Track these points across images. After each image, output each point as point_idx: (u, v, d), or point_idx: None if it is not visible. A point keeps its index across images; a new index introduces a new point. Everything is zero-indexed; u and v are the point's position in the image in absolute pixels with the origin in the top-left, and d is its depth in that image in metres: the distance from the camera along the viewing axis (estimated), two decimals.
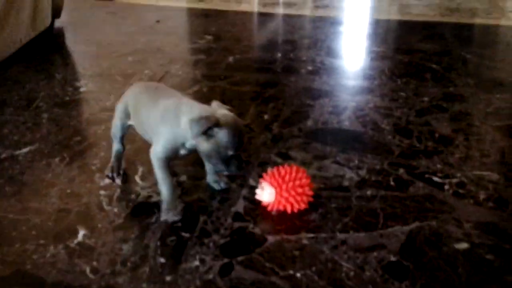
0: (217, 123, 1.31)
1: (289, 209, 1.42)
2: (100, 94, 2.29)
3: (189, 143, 1.39)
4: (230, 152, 1.33)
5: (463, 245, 1.29)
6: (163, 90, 1.56)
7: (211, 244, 1.31)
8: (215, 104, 1.47)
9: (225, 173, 1.46)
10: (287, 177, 1.42)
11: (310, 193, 1.44)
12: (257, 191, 1.44)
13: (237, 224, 1.39)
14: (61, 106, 2.17)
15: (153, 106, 1.47)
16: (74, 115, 2.09)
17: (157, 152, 1.42)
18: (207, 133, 1.32)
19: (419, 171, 1.63)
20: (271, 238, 1.33)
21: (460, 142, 1.82)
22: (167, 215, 1.42)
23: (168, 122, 1.41)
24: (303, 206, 1.43)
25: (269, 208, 1.44)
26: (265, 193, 1.42)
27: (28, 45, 2.90)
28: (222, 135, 1.32)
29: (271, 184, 1.42)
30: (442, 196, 1.50)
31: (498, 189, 1.53)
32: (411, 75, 2.51)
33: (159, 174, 1.43)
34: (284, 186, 1.41)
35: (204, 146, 1.34)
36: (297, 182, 1.42)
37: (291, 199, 1.41)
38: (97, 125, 1.99)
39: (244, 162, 1.40)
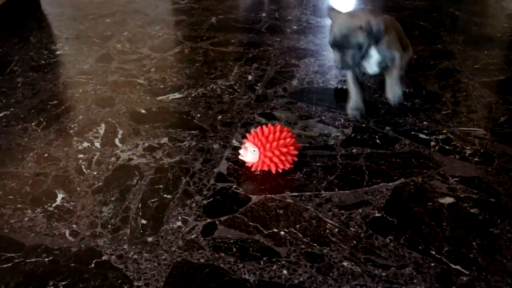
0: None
1: (273, 169, 1.39)
2: (77, 57, 2.21)
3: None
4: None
5: (448, 200, 1.28)
6: None
7: (193, 205, 1.28)
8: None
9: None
10: (270, 137, 1.39)
11: (295, 152, 1.41)
12: (240, 151, 1.41)
13: (220, 185, 1.36)
14: (37, 70, 2.09)
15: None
16: (50, 78, 2.01)
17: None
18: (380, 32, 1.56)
19: (405, 129, 1.61)
20: (254, 198, 1.31)
21: (447, 99, 1.79)
22: (352, 113, 1.65)
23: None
24: (287, 165, 1.40)
25: (253, 168, 1.41)
26: (249, 153, 1.39)
27: (1, 8, 2.78)
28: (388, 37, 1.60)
29: (255, 144, 1.39)
30: (428, 153, 1.48)
31: (484, 144, 1.51)
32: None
33: (349, 81, 1.68)
34: (267, 146, 1.37)
35: (381, 45, 1.60)
36: (281, 142, 1.38)
37: (275, 159, 1.38)
38: (75, 88, 1.92)
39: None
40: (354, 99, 1.68)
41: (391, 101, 1.62)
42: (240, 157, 1.41)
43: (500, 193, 1.30)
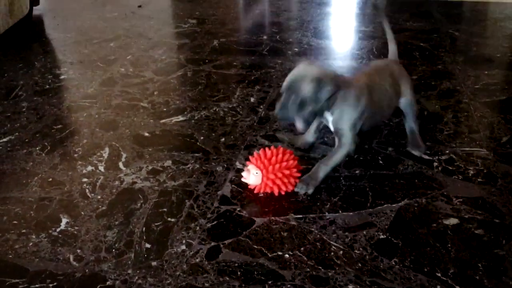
0: None
1: (276, 191, 1.39)
2: (82, 81, 2.24)
3: None
4: None
5: (453, 221, 1.28)
6: None
7: (197, 228, 1.28)
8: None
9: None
10: (273, 159, 1.39)
11: (297, 174, 1.42)
12: (243, 173, 1.41)
13: (224, 208, 1.36)
14: (41, 94, 2.11)
15: None
16: (55, 103, 2.03)
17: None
18: None
19: (408, 149, 1.61)
20: (258, 221, 1.31)
21: (449, 119, 1.80)
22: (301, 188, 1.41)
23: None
24: (290, 188, 1.40)
25: (255, 191, 1.41)
26: (251, 176, 1.39)
27: (7, 33, 2.82)
28: None
29: (257, 167, 1.40)
30: (431, 173, 1.48)
31: (487, 165, 1.51)
32: (399, 54, 2.47)
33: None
34: (270, 168, 1.38)
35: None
36: (284, 164, 1.39)
37: (278, 181, 1.38)
38: (79, 113, 1.94)
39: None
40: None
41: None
42: (242, 179, 1.41)
43: (505, 213, 1.30)
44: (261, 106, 1.95)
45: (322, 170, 1.43)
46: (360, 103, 1.44)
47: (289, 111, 1.39)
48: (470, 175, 1.47)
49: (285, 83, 1.43)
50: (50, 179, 1.51)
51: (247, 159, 1.50)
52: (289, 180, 1.40)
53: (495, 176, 1.46)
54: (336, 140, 1.46)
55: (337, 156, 1.44)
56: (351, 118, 1.43)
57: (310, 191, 1.39)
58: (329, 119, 1.46)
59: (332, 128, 1.47)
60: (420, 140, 1.61)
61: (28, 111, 1.96)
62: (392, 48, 1.75)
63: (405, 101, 1.61)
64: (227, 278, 1.12)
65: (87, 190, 1.45)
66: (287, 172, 1.39)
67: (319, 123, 1.60)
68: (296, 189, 1.41)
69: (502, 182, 1.42)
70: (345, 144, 1.44)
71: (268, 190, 1.40)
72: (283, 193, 1.40)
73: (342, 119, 1.44)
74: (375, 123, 1.56)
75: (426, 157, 1.55)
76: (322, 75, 1.39)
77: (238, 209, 1.35)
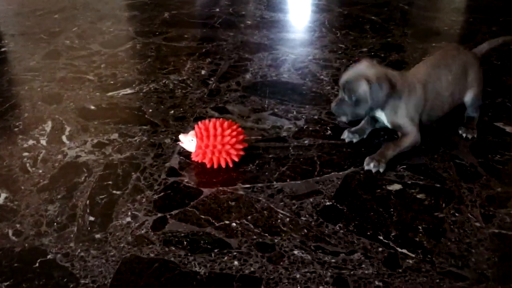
0: None
1: (208, 164, 1.37)
2: (24, 54, 2.13)
3: None
4: None
5: (396, 187, 1.31)
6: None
7: (143, 200, 1.26)
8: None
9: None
10: (211, 131, 1.36)
11: (236, 152, 1.38)
12: (180, 136, 1.40)
13: (171, 179, 1.34)
14: None
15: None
16: None
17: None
18: None
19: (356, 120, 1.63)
20: (206, 191, 1.30)
21: None
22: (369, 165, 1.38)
23: None
24: (223, 163, 1.38)
25: (192, 157, 1.39)
26: (186, 141, 1.39)
27: None
28: None
29: (195, 134, 1.38)
30: (377, 142, 1.51)
31: (429, 133, 1.56)
32: (350, 27, 2.50)
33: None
34: (205, 139, 1.35)
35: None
36: (221, 138, 1.36)
37: (216, 153, 1.36)
38: (20, 86, 1.85)
39: None
40: (360, 126, 1.54)
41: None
42: (178, 143, 1.40)
43: (445, 178, 1.34)
44: (212, 79, 1.92)
45: (391, 150, 1.41)
46: (412, 97, 1.43)
47: (344, 108, 1.44)
48: None
49: (342, 80, 1.44)
50: None
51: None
52: (228, 155, 1.37)
53: (437, 143, 1.50)
54: (400, 134, 1.46)
55: (405, 142, 1.43)
56: (405, 112, 1.43)
57: (381, 169, 1.37)
58: (383, 117, 1.47)
59: (389, 126, 1.48)
60: (474, 125, 1.57)
61: None
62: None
63: (470, 94, 1.57)
64: (173, 248, 1.11)
65: (27, 164, 1.39)
66: (224, 147, 1.35)
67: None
68: (366, 167, 1.38)
69: (444, 149, 1.47)
70: (410, 134, 1.43)
71: (203, 161, 1.38)
72: (215, 166, 1.37)
73: (396, 115, 1.44)
74: (436, 115, 1.52)
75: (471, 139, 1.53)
76: (379, 75, 1.39)
77: (186, 180, 1.34)
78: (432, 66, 1.51)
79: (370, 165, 1.38)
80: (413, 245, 1.12)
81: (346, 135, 1.52)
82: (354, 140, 1.51)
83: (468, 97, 1.58)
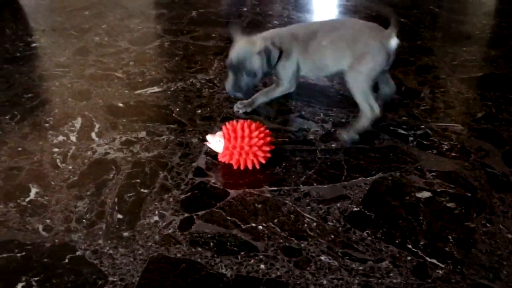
0: None
1: (235, 165, 1.37)
2: (54, 50, 2.16)
3: None
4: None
5: (425, 194, 1.29)
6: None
7: (171, 200, 1.27)
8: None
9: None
10: (239, 132, 1.36)
11: (266, 149, 1.38)
12: (208, 136, 1.40)
13: (198, 179, 1.35)
14: (12, 62, 2.04)
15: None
16: (26, 71, 1.97)
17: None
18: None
19: (385, 124, 1.61)
20: (233, 192, 1.30)
21: (426, 95, 1.81)
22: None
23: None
24: (250, 165, 1.37)
25: (218, 158, 1.39)
26: (214, 141, 1.39)
27: None
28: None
29: (223, 135, 1.38)
30: (406, 148, 1.49)
31: (461, 140, 1.53)
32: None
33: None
34: (232, 140, 1.35)
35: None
36: (253, 140, 1.36)
37: (243, 155, 1.36)
38: (51, 82, 1.88)
39: None
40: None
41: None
42: (206, 143, 1.40)
43: (476, 187, 1.31)
44: None
45: (260, 99, 1.66)
46: (293, 54, 1.56)
47: (243, 86, 1.54)
48: (444, 149, 1.48)
49: (232, 61, 1.52)
50: (20, 149, 1.47)
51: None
52: (255, 155, 1.37)
53: (469, 151, 1.47)
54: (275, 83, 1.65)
55: (277, 91, 1.64)
56: (288, 67, 1.57)
57: (248, 110, 1.65)
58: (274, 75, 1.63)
59: (274, 77, 1.65)
60: (354, 127, 1.52)
61: None
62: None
63: (348, 71, 1.53)
64: (200, 249, 1.11)
65: (57, 160, 1.42)
66: (252, 148, 1.35)
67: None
68: (235, 108, 1.65)
69: (475, 157, 1.44)
70: (284, 84, 1.62)
71: (233, 163, 1.38)
72: (242, 168, 1.37)
73: (282, 70, 1.58)
74: (321, 74, 1.65)
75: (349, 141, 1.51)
76: (265, 43, 1.51)
77: (213, 181, 1.34)
78: (313, 32, 1.57)
79: (236, 107, 1.65)
80: (443, 255, 1.10)
81: (237, 107, 1.67)
82: (248, 110, 1.66)
83: (346, 75, 1.53)
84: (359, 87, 1.51)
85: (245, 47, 1.51)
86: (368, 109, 1.50)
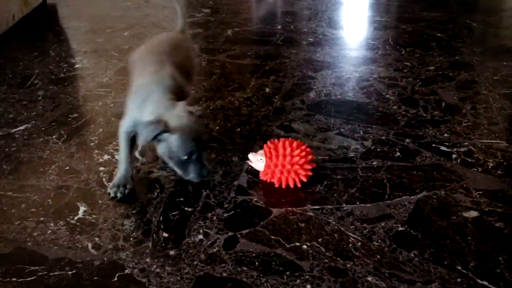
0: (166, 129, 1.21)
1: (277, 183, 1.38)
2: (96, 71, 2.24)
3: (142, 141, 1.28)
4: (184, 157, 1.24)
5: (472, 214, 1.26)
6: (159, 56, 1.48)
7: (214, 218, 1.28)
8: (181, 105, 1.29)
9: (187, 178, 1.29)
10: (280, 150, 1.37)
11: (308, 167, 1.38)
12: (249, 155, 1.42)
13: (240, 198, 1.36)
14: (57, 83, 2.12)
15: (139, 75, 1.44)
16: (70, 92, 2.04)
17: (121, 125, 1.38)
18: (157, 138, 1.23)
19: (426, 141, 1.60)
20: (275, 211, 1.30)
21: (467, 111, 1.78)
22: (111, 189, 1.38)
23: (136, 103, 1.33)
24: (292, 183, 1.38)
25: (260, 176, 1.40)
26: (255, 160, 1.40)
27: (21, 22, 2.83)
28: (172, 140, 1.23)
29: (264, 153, 1.39)
30: (450, 165, 1.47)
31: (507, 157, 1.49)
32: (415, 44, 2.45)
33: (120, 147, 1.40)
34: (274, 159, 1.36)
35: (158, 149, 1.28)
36: (294, 159, 1.36)
37: (285, 173, 1.36)
38: (94, 102, 1.94)
39: (206, 168, 1.27)
40: (123, 172, 1.40)
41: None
42: (247, 161, 1.41)
43: None
44: (276, 97, 1.94)
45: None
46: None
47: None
48: (489, 167, 1.45)
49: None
50: (67, 168, 1.51)
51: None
52: (297, 173, 1.37)
53: None
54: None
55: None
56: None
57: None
58: None
59: None
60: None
61: (44, 99, 1.97)
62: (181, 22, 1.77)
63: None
64: (245, 268, 1.12)
65: (104, 179, 1.46)
66: (294, 167, 1.35)
67: None
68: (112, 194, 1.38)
69: None
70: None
71: (274, 181, 1.38)
72: (284, 186, 1.38)
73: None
74: None
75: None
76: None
77: (255, 199, 1.35)
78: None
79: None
80: (494, 277, 1.07)
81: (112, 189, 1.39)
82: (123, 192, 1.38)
83: None
84: None
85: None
86: None
